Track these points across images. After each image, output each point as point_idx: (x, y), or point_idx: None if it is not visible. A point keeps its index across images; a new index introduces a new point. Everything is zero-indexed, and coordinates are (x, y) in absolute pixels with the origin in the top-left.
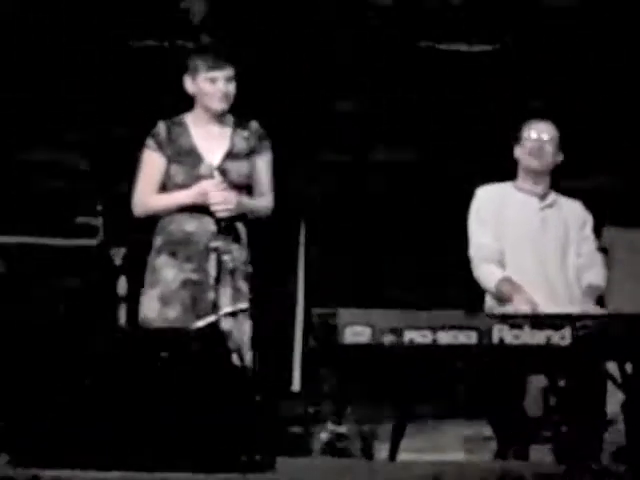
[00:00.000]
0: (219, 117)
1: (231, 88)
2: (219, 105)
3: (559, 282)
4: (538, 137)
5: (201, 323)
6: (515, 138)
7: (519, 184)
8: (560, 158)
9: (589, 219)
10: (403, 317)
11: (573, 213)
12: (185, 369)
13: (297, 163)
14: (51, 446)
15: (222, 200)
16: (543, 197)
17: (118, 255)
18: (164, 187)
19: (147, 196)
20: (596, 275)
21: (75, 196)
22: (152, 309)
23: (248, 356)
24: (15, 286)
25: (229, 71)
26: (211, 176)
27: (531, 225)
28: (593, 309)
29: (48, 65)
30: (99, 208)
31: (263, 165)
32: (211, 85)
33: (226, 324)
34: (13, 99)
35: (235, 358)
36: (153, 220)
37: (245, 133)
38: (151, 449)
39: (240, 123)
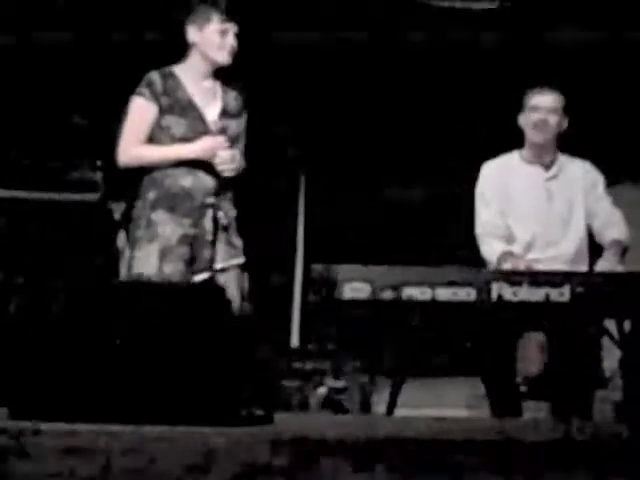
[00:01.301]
0: (212, 72)
1: (236, 44)
2: (226, 58)
3: (567, 252)
4: (542, 108)
5: (198, 278)
6: (519, 105)
7: (525, 154)
8: (565, 124)
9: (600, 179)
10: (402, 273)
11: (581, 176)
12: (184, 323)
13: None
14: (49, 399)
15: (230, 158)
16: (549, 166)
17: (118, 210)
18: (152, 138)
19: (137, 146)
20: (619, 231)
21: (75, 151)
22: (150, 264)
23: (247, 310)
24: (15, 241)
25: (237, 27)
26: (216, 132)
27: (537, 197)
28: (619, 265)
29: (53, 19)
30: (98, 163)
31: (244, 126)
32: (222, 37)
33: (221, 279)
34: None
35: (233, 312)
36: (139, 173)
37: (234, 93)
38: (148, 402)
39: (227, 82)
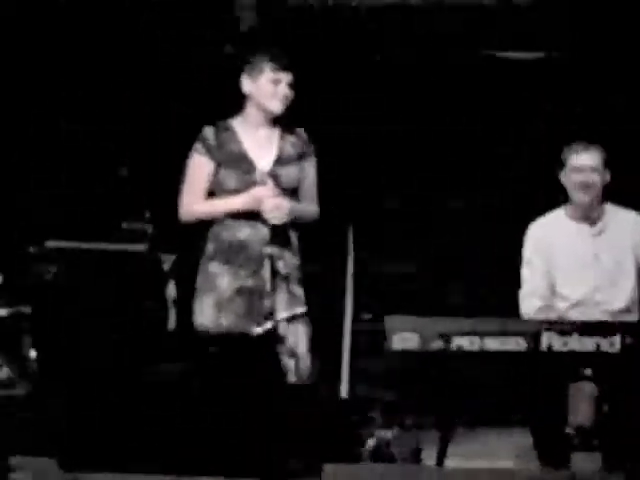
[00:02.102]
0: (269, 121)
1: (290, 93)
2: (278, 107)
3: (617, 309)
4: (585, 168)
5: (259, 329)
6: (559, 162)
7: (570, 211)
8: (608, 177)
9: None
10: (451, 323)
11: (630, 230)
12: (240, 373)
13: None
14: (95, 450)
15: (276, 207)
16: (595, 222)
17: (168, 261)
18: (212, 192)
19: (195, 201)
20: None
21: (124, 202)
22: (206, 316)
23: (307, 360)
24: (66, 290)
25: (291, 76)
26: (264, 182)
27: (584, 255)
28: None
29: (98, 75)
30: (147, 215)
31: (310, 171)
32: (274, 86)
33: (283, 329)
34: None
35: (291, 363)
36: (202, 226)
37: (292, 138)
38: (200, 454)
39: (287, 129)
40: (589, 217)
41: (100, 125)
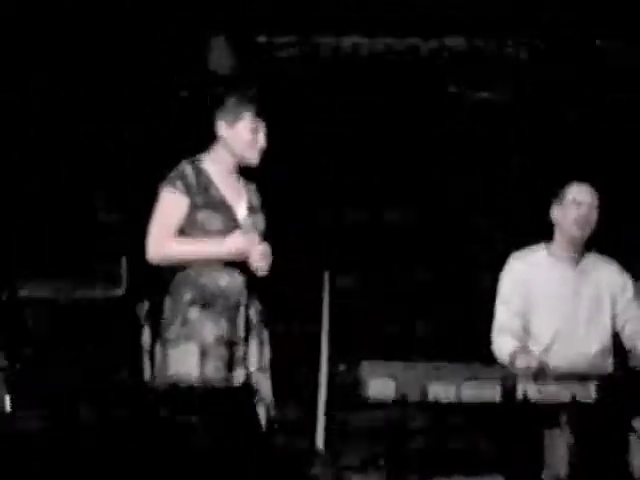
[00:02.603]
0: (237, 168)
1: (265, 143)
2: (256, 157)
3: (590, 351)
4: (585, 204)
5: (238, 378)
6: (555, 196)
7: (554, 249)
8: (598, 214)
9: (628, 282)
10: (427, 370)
11: (609, 278)
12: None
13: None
14: None
15: (263, 255)
16: (578, 261)
17: (142, 308)
18: (182, 232)
19: (167, 241)
20: None
21: (98, 246)
22: (189, 364)
23: (272, 407)
24: (40, 338)
25: (264, 126)
26: (248, 230)
27: (564, 292)
28: None
29: (74, 115)
30: (123, 260)
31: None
32: (252, 134)
33: (255, 378)
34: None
35: (263, 414)
36: (169, 270)
37: (253, 187)
38: None
39: (245, 177)
40: (572, 257)
41: (76, 168)
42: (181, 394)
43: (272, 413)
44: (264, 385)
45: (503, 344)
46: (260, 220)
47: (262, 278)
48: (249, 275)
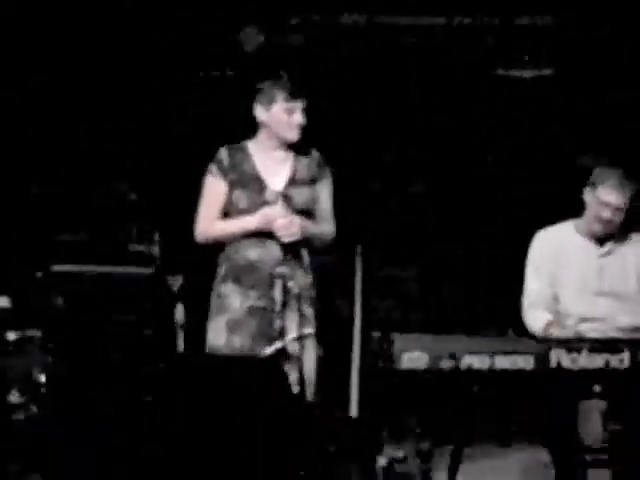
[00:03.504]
0: (283, 145)
1: (304, 120)
2: (294, 136)
3: (624, 327)
4: (612, 206)
5: (269, 349)
6: (589, 181)
7: (581, 227)
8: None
9: None
10: (460, 342)
11: (636, 250)
12: (251, 394)
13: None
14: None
15: (287, 225)
16: (604, 242)
17: (175, 283)
18: (227, 213)
19: (210, 223)
20: None
21: (132, 225)
22: (220, 337)
23: (313, 381)
24: (73, 314)
25: (304, 103)
26: (275, 202)
27: (588, 273)
28: None
29: (102, 97)
30: (156, 237)
31: (325, 192)
32: (288, 115)
33: (293, 349)
34: (69, 129)
35: (299, 384)
36: (211, 248)
37: (306, 160)
38: (210, 473)
39: (301, 151)
40: (599, 238)
41: (111, 147)
42: (211, 365)
43: (313, 385)
44: (302, 356)
45: (536, 317)
46: (305, 192)
47: (298, 249)
48: (291, 246)
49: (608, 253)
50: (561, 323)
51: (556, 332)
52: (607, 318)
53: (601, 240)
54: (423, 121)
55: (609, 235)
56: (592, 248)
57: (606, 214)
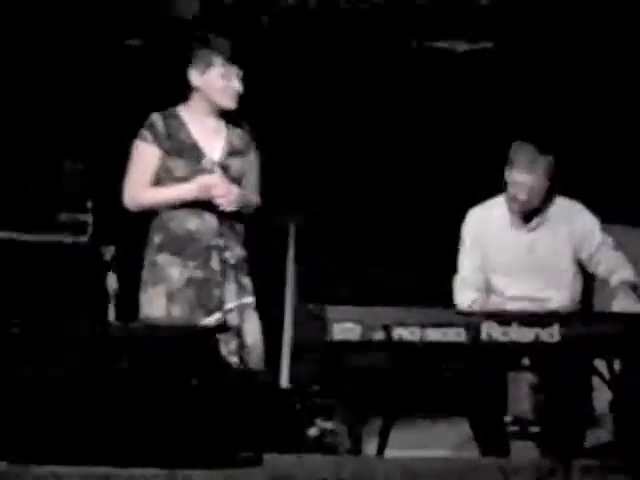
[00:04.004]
0: (216, 113)
1: (241, 87)
2: (229, 102)
3: (558, 303)
4: (521, 185)
5: (209, 320)
6: (506, 158)
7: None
8: (547, 185)
9: (594, 222)
10: (392, 314)
11: (573, 226)
12: (177, 366)
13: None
14: (42, 442)
15: (227, 192)
16: (532, 215)
17: (108, 252)
18: (158, 181)
19: (141, 189)
20: (627, 272)
21: (64, 193)
22: (157, 307)
23: (256, 350)
24: (4, 282)
25: (240, 70)
26: (212, 171)
27: (517, 248)
28: (636, 305)
29: (41, 62)
30: (89, 205)
31: (254, 163)
32: (225, 81)
33: (233, 319)
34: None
35: (239, 353)
36: (142, 217)
37: (239, 131)
38: (138, 445)
39: (233, 120)
40: (526, 213)
41: (40, 113)
42: (147, 336)
43: (254, 355)
44: (242, 327)
45: (464, 296)
46: (239, 162)
47: (242, 219)
48: (226, 218)
49: (537, 226)
50: (486, 302)
51: (479, 307)
52: (536, 297)
53: (529, 215)
54: (352, 90)
55: (535, 209)
56: (520, 223)
57: (521, 195)
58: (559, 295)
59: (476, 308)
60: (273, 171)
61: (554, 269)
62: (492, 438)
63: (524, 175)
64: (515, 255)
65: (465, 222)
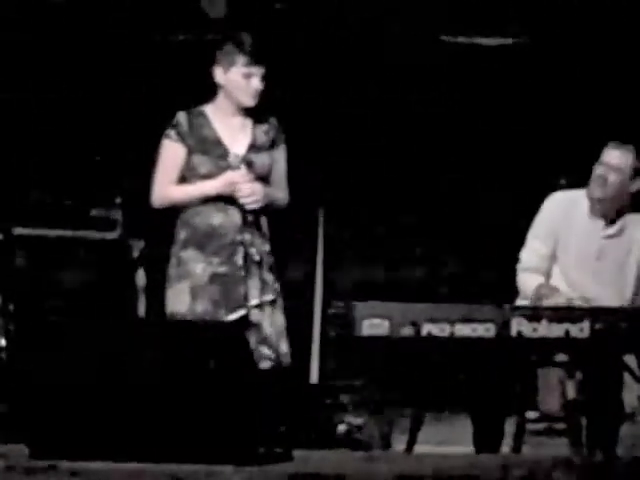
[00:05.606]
0: (241, 110)
1: (262, 86)
2: (250, 101)
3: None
4: (606, 164)
5: (233, 316)
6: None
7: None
8: (637, 186)
9: None
10: (421, 310)
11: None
12: (205, 361)
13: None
14: (68, 437)
15: (251, 191)
16: (610, 224)
17: (137, 248)
18: (184, 178)
19: (168, 187)
20: None
21: (94, 189)
22: (182, 302)
23: (280, 346)
24: (35, 278)
25: (263, 69)
26: (237, 167)
27: (588, 252)
28: None
29: (69, 58)
30: (118, 201)
31: (281, 158)
32: (246, 80)
33: (254, 316)
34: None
35: (263, 350)
36: (171, 213)
37: (265, 127)
38: (167, 440)
39: (259, 117)
40: (605, 216)
41: (70, 111)
42: (176, 329)
43: (278, 352)
44: (266, 323)
45: (527, 279)
46: (264, 158)
47: (257, 216)
48: (251, 213)
49: (613, 236)
50: (554, 287)
51: (546, 292)
52: (597, 299)
53: (608, 221)
54: (380, 86)
55: (617, 214)
56: (597, 227)
57: (600, 171)
58: (614, 303)
59: (544, 292)
60: (302, 166)
61: (617, 282)
62: (491, 437)
63: (613, 153)
64: (584, 257)
65: (544, 206)
